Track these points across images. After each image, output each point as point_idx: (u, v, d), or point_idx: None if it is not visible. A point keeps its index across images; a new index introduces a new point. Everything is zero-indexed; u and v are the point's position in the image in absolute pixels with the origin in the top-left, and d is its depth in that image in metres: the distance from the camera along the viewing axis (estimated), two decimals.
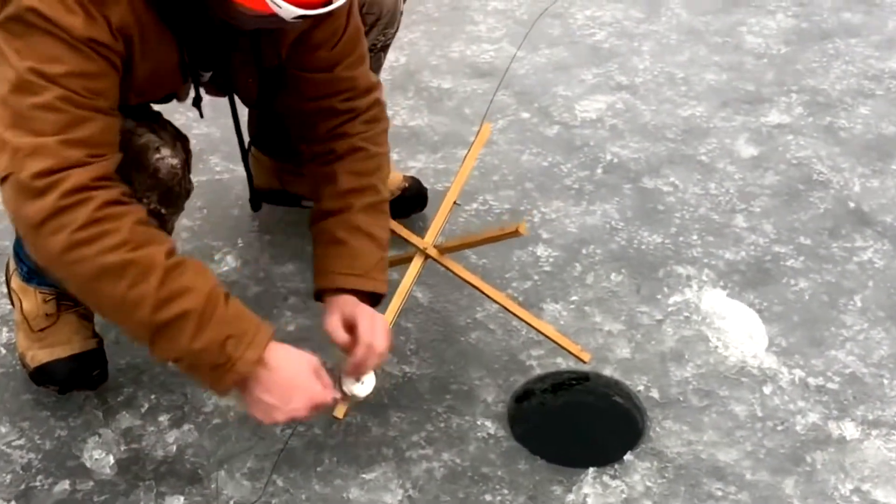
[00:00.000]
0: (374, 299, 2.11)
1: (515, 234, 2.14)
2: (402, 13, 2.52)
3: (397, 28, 2.54)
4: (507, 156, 3.10)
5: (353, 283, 2.05)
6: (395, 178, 2.77)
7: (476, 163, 2.95)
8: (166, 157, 1.97)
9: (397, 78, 3.36)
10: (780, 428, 2.29)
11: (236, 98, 2.13)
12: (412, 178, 2.81)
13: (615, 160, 3.10)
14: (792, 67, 3.55)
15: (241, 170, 2.78)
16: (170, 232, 2.10)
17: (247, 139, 2.41)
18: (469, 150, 2.43)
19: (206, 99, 2.12)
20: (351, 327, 2.00)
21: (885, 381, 2.40)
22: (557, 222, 2.85)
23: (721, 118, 3.29)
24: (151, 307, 1.71)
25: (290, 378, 1.85)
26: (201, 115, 2.13)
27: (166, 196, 1.99)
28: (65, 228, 1.67)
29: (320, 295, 2.10)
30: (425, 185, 2.90)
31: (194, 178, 2.18)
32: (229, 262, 2.68)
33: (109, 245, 1.69)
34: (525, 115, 3.27)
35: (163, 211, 1.99)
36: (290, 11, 1.67)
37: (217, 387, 1.84)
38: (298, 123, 2.17)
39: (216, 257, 2.69)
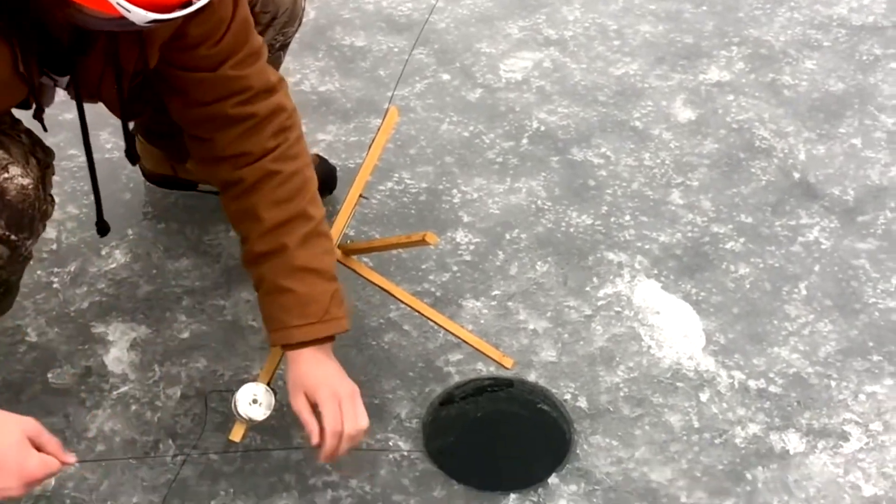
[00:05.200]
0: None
1: (423, 243, 1.92)
2: (304, 9, 2.26)
3: (299, 24, 2.27)
4: (426, 125, 2.85)
5: (313, 332, 1.86)
6: None
7: (391, 134, 2.72)
8: (15, 177, 1.70)
9: (305, 35, 3.08)
10: (717, 441, 2.11)
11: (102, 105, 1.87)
12: (318, 157, 2.56)
13: (542, 128, 2.86)
14: (734, 16, 3.31)
15: None
16: (27, 258, 1.85)
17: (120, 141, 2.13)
18: (374, 138, 2.18)
19: None
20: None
21: (833, 383, 2.23)
22: (479, 203, 2.62)
23: (657, 76, 3.06)
24: None
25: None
26: (44, 129, 1.87)
27: (16, 220, 1.72)
28: None
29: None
30: (336, 160, 2.66)
31: (81, 156, 1.94)
32: (118, 257, 2.43)
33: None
34: (445, 76, 3.01)
35: (12, 237, 1.72)
36: (140, 16, 1.42)
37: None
38: (195, 139, 1.91)
39: (103, 252, 2.44)
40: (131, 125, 2.24)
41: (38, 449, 1.57)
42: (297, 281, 1.84)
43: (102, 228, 2.07)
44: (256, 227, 1.85)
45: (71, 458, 1.63)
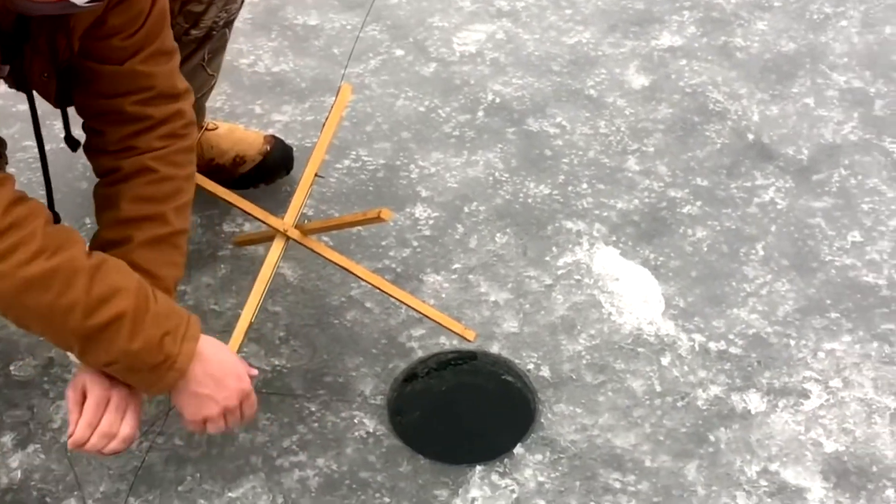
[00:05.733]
0: None
1: (378, 220, 1.92)
2: None
3: (242, 1, 2.25)
4: (381, 101, 2.85)
5: None
6: (256, 141, 2.52)
7: (346, 112, 2.72)
8: None
9: (258, 16, 3.07)
10: (680, 404, 2.13)
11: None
12: (274, 138, 2.55)
13: (497, 100, 2.87)
14: None
15: None
16: None
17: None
18: (327, 116, 2.18)
19: None
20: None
21: (792, 342, 2.25)
22: (437, 177, 2.62)
23: (609, 44, 3.06)
24: (82, 314, 1.59)
25: (222, 366, 1.75)
26: None
27: None
28: None
29: None
30: (293, 140, 2.65)
31: (36, 147, 1.92)
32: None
33: (27, 255, 1.55)
34: (399, 52, 3.01)
35: None
36: None
37: (155, 387, 1.71)
38: (88, 130, 1.88)
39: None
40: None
41: None
42: None
43: (54, 220, 2.04)
44: (112, 214, 1.80)
45: (254, 371, 1.83)
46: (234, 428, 1.87)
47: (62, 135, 2.63)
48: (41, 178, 2.52)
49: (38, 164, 2.23)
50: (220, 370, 1.74)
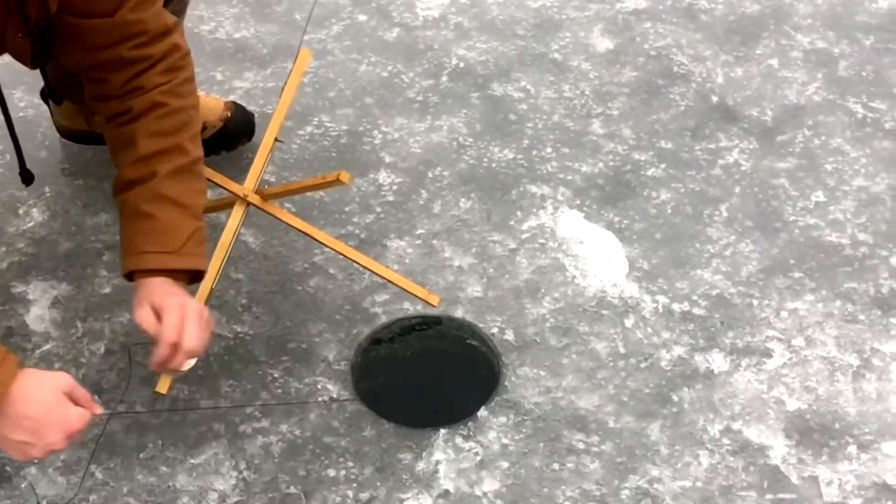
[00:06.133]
0: (195, 276, 1.87)
1: (337, 182, 1.91)
2: None
3: None
4: (344, 67, 2.82)
5: (166, 261, 1.80)
6: (217, 107, 2.49)
7: (308, 78, 2.70)
8: None
9: None
10: (643, 365, 2.13)
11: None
12: (235, 104, 2.52)
13: (461, 65, 2.85)
14: None
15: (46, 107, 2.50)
16: None
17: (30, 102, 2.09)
18: (286, 81, 2.16)
19: None
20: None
21: (755, 302, 2.25)
22: (401, 142, 2.61)
23: (574, 7, 3.04)
24: None
25: (40, 411, 1.58)
26: None
27: None
28: None
29: (131, 276, 1.84)
30: (255, 107, 2.63)
31: None
32: (35, 215, 2.39)
33: None
34: (362, 17, 2.98)
35: None
36: None
37: None
38: (89, 80, 1.88)
39: (20, 210, 2.40)
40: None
41: (73, 402, 1.63)
42: (159, 208, 1.80)
43: (27, 178, 2.04)
44: (131, 153, 1.83)
45: (99, 409, 1.69)
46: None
47: (21, 104, 2.62)
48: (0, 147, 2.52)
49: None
50: (37, 416, 1.59)
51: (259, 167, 2.12)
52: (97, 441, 1.98)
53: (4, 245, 2.32)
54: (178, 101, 1.86)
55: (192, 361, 1.87)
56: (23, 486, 1.92)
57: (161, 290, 1.78)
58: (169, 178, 1.82)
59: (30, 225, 2.38)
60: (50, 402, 1.60)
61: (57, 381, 1.62)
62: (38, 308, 2.19)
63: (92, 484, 1.92)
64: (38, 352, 2.12)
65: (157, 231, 1.80)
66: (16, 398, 1.56)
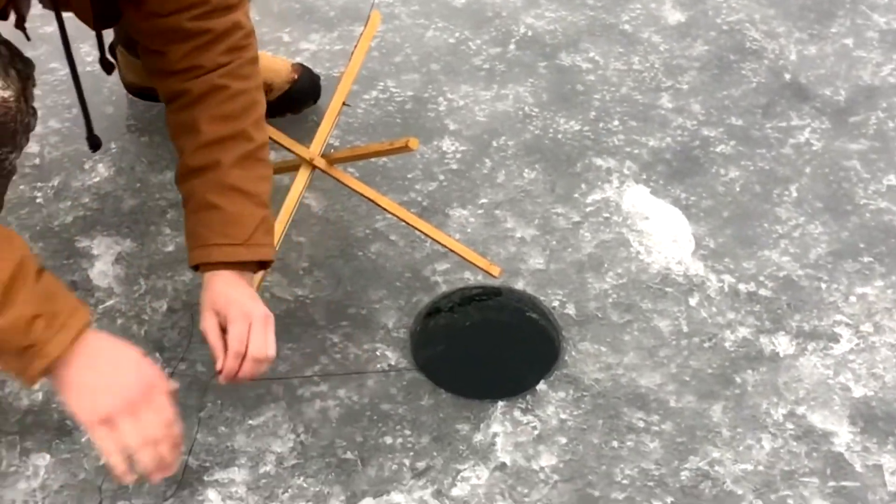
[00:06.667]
0: (262, 264, 1.85)
1: (406, 149, 1.89)
2: None
3: None
4: (411, 32, 2.80)
5: (234, 254, 1.76)
6: (284, 69, 2.48)
7: (375, 43, 2.68)
8: None
9: None
10: (707, 345, 2.10)
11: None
12: (301, 66, 2.51)
13: (529, 33, 2.81)
14: None
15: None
16: (11, 172, 1.81)
17: (93, 57, 2.07)
18: (357, 44, 2.14)
19: None
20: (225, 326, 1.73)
21: (823, 285, 2.21)
22: (466, 110, 2.58)
23: None
24: None
25: (114, 360, 1.57)
26: (27, 38, 1.82)
27: None
28: None
29: (197, 266, 1.82)
30: (321, 70, 2.61)
31: (62, 69, 1.90)
32: (101, 171, 2.40)
33: None
34: None
35: None
36: None
37: (25, 375, 1.53)
38: (149, 53, 1.84)
39: (86, 165, 2.40)
40: (108, 39, 2.19)
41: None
42: (225, 199, 1.75)
43: (94, 143, 2.01)
44: (193, 140, 1.78)
45: (175, 385, 1.64)
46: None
47: (88, 59, 2.62)
48: (66, 101, 2.53)
49: (65, 87, 2.21)
50: (112, 364, 1.56)
51: (326, 131, 2.11)
52: None
53: (70, 199, 2.33)
54: (239, 84, 1.80)
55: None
56: (83, 440, 1.93)
57: (227, 293, 1.74)
58: (234, 166, 1.77)
59: (95, 180, 2.38)
60: (125, 355, 1.58)
61: (138, 352, 1.60)
62: (102, 264, 2.20)
63: None
64: (101, 307, 2.13)
65: (224, 222, 1.76)
66: (88, 347, 1.54)
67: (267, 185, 1.82)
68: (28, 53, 1.85)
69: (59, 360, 1.51)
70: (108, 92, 2.58)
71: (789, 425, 1.97)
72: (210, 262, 1.77)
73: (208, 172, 1.77)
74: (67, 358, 1.52)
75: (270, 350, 1.72)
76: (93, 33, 1.86)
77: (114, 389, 1.53)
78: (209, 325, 1.72)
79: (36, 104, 1.85)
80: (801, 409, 1.99)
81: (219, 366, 1.71)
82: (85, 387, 1.53)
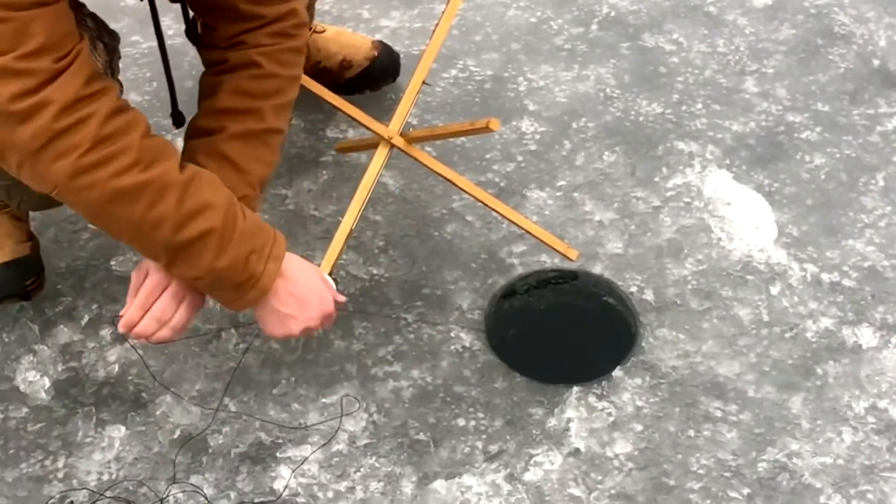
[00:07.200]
0: None
1: (486, 129, 1.87)
2: None
3: None
4: (492, 11, 2.77)
5: None
6: (364, 46, 2.47)
7: (455, 21, 2.65)
8: None
9: None
10: (788, 335, 2.05)
11: None
12: (382, 43, 2.50)
13: (612, 13, 2.78)
14: None
15: None
16: None
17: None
18: (438, 22, 2.12)
19: None
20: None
21: None
22: (546, 90, 2.55)
23: None
24: (171, 228, 1.58)
25: (305, 286, 1.76)
26: None
27: None
28: (69, 153, 1.50)
29: None
30: (400, 47, 2.60)
31: (144, 42, 1.91)
32: (180, 145, 2.39)
33: (121, 167, 1.53)
34: None
35: None
36: None
37: (237, 303, 1.73)
38: (201, 23, 1.84)
39: (167, 139, 2.40)
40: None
41: None
42: (214, 164, 1.73)
43: (178, 119, 2.01)
44: (210, 102, 1.78)
45: (343, 298, 1.87)
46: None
47: (169, 32, 2.63)
48: (147, 74, 2.54)
49: (146, 60, 2.21)
50: (304, 291, 1.76)
51: (405, 109, 2.09)
52: (232, 373, 1.99)
53: None
54: (274, 67, 1.78)
55: None
56: (158, 413, 1.94)
57: None
58: (235, 138, 1.76)
59: None
60: (314, 282, 1.79)
61: (315, 267, 1.83)
62: None
63: (225, 416, 1.94)
64: None
65: None
66: (288, 273, 1.72)
67: (264, 168, 1.80)
68: (111, 26, 1.86)
69: (269, 289, 1.71)
70: (188, 66, 2.58)
71: (871, 419, 1.92)
72: None
73: (210, 136, 1.76)
74: (273, 286, 1.71)
75: (174, 320, 1.75)
76: (172, 7, 1.86)
77: (299, 319, 1.76)
78: (134, 276, 1.77)
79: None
80: (883, 403, 1.94)
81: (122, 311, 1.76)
82: (276, 314, 1.75)
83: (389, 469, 1.86)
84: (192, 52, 2.55)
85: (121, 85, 1.84)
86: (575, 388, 1.97)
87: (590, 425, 1.91)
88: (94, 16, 1.81)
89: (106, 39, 1.79)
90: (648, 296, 2.12)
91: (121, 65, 2.01)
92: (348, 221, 1.99)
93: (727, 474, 1.84)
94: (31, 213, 2.14)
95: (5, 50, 1.42)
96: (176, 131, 2.35)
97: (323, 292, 1.79)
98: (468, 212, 2.27)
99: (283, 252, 1.72)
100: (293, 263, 1.75)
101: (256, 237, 1.67)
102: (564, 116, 2.49)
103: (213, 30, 1.80)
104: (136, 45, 2.57)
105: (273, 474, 1.85)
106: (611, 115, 2.50)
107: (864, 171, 2.37)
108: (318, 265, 2.01)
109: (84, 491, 1.84)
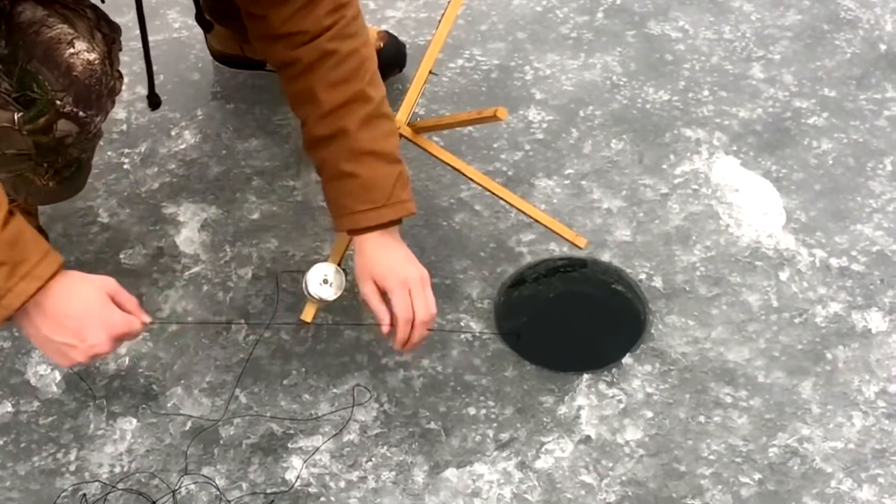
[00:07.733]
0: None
1: (494, 118, 1.86)
2: None
3: None
4: (497, 0, 2.77)
5: (377, 217, 1.79)
6: (370, 36, 2.46)
7: (461, 10, 2.64)
8: (81, 52, 1.66)
9: None
10: (797, 320, 2.05)
11: None
12: (388, 34, 2.50)
13: (618, 1, 2.77)
14: None
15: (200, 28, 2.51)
16: (97, 136, 1.83)
17: None
18: (444, 12, 2.12)
19: None
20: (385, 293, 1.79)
21: None
22: (552, 79, 2.55)
23: None
24: None
25: (81, 311, 1.57)
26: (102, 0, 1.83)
27: (84, 96, 1.69)
28: None
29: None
30: (406, 37, 2.60)
31: (150, 36, 1.91)
32: (187, 137, 2.41)
33: None
34: None
35: (81, 114, 1.70)
36: None
37: None
38: (250, 18, 1.82)
39: (173, 132, 2.42)
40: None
41: (118, 307, 1.62)
42: (359, 165, 1.77)
43: (154, 101, 2.04)
44: (315, 109, 1.78)
45: (147, 317, 1.68)
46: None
47: (175, 24, 2.64)
48: (154, 68, 2.52)
49: (153, 54, 2.20)
50: (78, 319, 1.57)
51: (412, 99, 2.09)
52: (243, 365, 1.99)
53: (156, 165, 2.35)
54: (348, 45, 1.78)
55: (339, 290, 1.88)
56: (168, 405, 1.95)
57: (380, 260, 1.80)
58: (360, 130, 1.77)
59: (181, 147, 2.39)
60: (92, 301, 1.59)
61: (100, 282, 1.62)
62: (188, 230, 2.21)
63: (236, 408, 1.94)
64: (187, 273, 2.14)
65: (363, 188, 1.79)
66: (57, 294, 1.55)
67: (394, 139, 1.84)
68: (116, 19, 1.86)
69: (20, 311, 1.53)
70: (195, 59, 2.59)
71: (881, 403, 1.92)
72: (357, 229, 1.80)
73: (336, 140, 1.78)
74: (34, 308, 1.55)
75: (432, 308, 1.79)
76: (179, 0, 1.86)
77: (82, 347, 1.57)
78: (369, 292, 1.79)
79: (123, 70, 1.86)
80: (893, 387, 1.95)
81: (385, 329, 1.79)
82: (53, 343, 1.58)
83: (401, 458, 1.87)
84: (198, 44, 2.57)
85: (121, 76, 1.83)
86: (585, 376, 1.97)
87: (600, 412, 1.91)
88: (94, 6, 1.80)
89: (105, 30, 1.78)
90: (657, 283, 2.12)
91: (126, 58, 2.02)
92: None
93: (738, 460, 1.85)
94: (39, 208, 2.14)
95: None
96: (182, 122, 2.37)
97: (104, 314, 1.59)
98: (476, 201, 2.27)
99: (48, 272, 1.53)
100: (69, 286, 1.57)
101: (12, 250, 1.51)
102: (571, 105, 2.49)
103: (264, 19, 1.78)
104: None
105: (285, 465, 1.86)
106: (618, 102, 2.50)
107: (872, 156, 2.36)
108: (327, 256, 2.02)
109: (96, 483, 1.84)
